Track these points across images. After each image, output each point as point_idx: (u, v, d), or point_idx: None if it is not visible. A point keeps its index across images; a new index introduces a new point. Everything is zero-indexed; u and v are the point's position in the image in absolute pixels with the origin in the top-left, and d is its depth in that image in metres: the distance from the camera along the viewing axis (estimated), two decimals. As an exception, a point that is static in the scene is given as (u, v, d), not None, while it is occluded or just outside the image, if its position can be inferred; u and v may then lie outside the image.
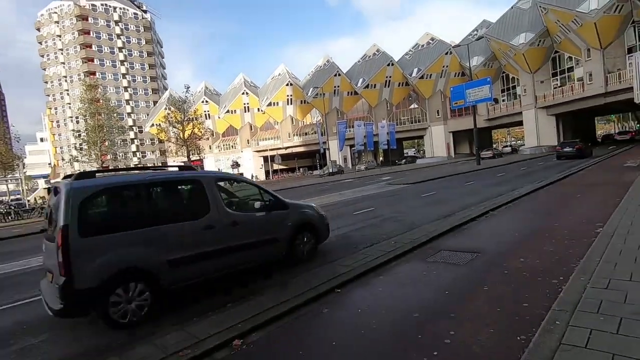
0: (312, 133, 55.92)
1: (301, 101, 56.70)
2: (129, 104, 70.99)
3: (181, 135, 36.63)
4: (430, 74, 50.64)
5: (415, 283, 4.48)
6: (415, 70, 50.98)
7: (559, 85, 39.33)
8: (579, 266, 4.12)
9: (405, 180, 20.08)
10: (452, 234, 6.71)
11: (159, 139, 64.18)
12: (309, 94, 54.03)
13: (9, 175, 33.96)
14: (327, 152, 46.07)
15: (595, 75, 33.93)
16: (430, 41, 52.17)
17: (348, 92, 54.20)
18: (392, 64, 51.74)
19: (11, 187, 37.06)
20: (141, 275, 3.95)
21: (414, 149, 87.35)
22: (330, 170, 42.29)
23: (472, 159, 35.19)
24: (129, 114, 70.03)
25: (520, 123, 46.20)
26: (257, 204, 5.28)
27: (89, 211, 3.83)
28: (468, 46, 31.52)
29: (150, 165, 32.02)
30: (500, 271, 4.52)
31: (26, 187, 42.05)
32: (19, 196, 37.88)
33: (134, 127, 69.84)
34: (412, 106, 56.22)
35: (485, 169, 24.00)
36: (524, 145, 46.77)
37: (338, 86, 53.15)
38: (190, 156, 37.62)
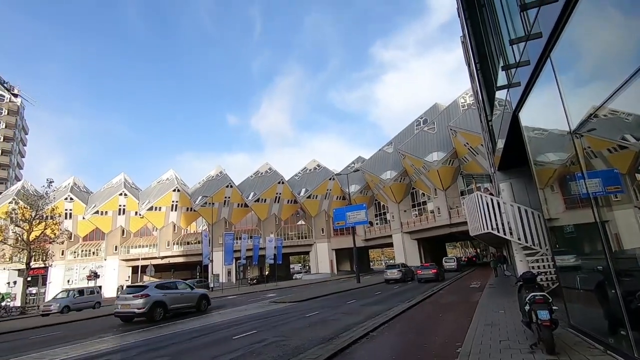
0: (195, 242, 52.34)
1: (187, 208, 54.19)
2: (-43, 192, 56.65)
3: (25, 237, 29.79)
4: (316, 195, 55.62)
5: None
6: (303, 190, 55.55)
7: (417, 214, 47.40)
8: (447, 390, 4.37)
9: (290, 299, 19.55)
10: (336, 359, 6.53)
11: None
12: (196, 202, 52.37)
13: None
14: (210, 264, 42.83)
15: (442, 209, 42.31)
16: (317, 167, 58.99)
17: (238, 204, 54.51)
18: (283, 182, 55.53)
19: None
20: None
21: (300, 264, 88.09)
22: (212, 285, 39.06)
23: (353, 276, 37.11)
24: (-48, 204, 55.12)
25: (391, 244, 52.27)
26: None
27: None
28: (347, 176, 36.60)
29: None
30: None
31: None
32: None
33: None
34: (299, 222, 59.05)
35: (364, 287, 25.43)
36: (395, 264, 52.32)
37: (229, 197, 53.29)
38: (32, 263, 30.18)
